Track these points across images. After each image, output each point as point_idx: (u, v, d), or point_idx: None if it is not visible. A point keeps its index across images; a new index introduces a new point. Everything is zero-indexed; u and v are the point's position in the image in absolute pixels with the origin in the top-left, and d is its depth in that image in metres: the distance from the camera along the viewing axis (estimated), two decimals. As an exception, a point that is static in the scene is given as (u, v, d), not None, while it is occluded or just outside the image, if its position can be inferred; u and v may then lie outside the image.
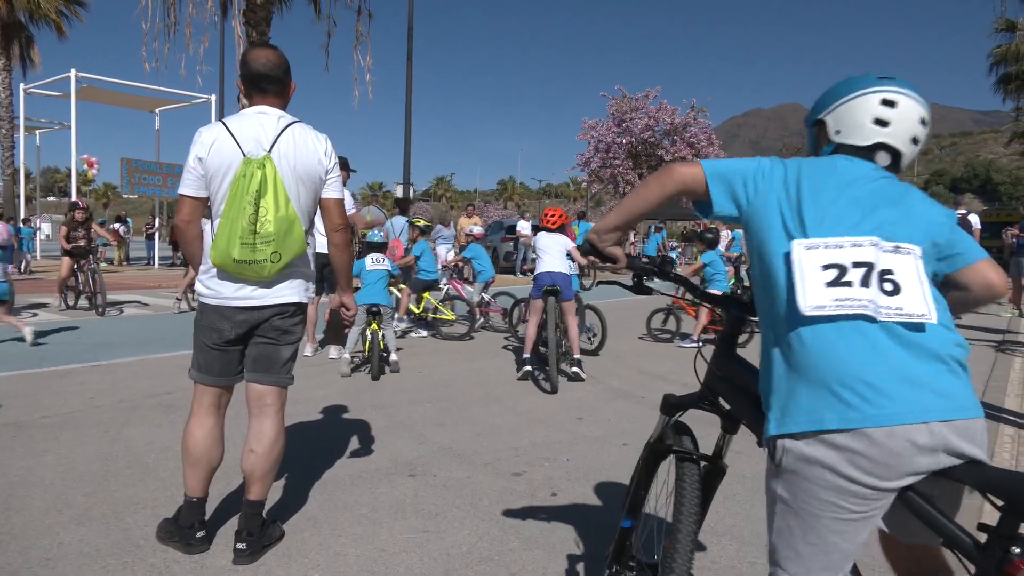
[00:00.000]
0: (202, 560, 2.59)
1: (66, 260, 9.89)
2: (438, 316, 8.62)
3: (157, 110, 21.64)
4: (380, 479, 3.50)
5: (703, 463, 1.75)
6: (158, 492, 3.25)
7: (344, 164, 6.88)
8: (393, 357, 6.36)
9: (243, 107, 2.73)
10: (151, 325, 8.97)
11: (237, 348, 2.67)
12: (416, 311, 8.62)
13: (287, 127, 2.61)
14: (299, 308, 2.71)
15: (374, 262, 6.57)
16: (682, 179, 1.52)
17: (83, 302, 10.27)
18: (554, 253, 6.08)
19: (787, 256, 1.35)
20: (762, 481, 1.51)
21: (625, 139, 23.36)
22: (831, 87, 1.63)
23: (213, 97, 19.18)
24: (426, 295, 8.67)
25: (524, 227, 20.10)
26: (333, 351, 6.81)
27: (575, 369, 6.10)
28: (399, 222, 9.99)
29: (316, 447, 3.99)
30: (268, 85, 2.63)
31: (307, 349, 6.93)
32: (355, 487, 3.38)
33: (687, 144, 23.10)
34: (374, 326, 6.28)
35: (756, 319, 1.58)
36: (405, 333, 8.41)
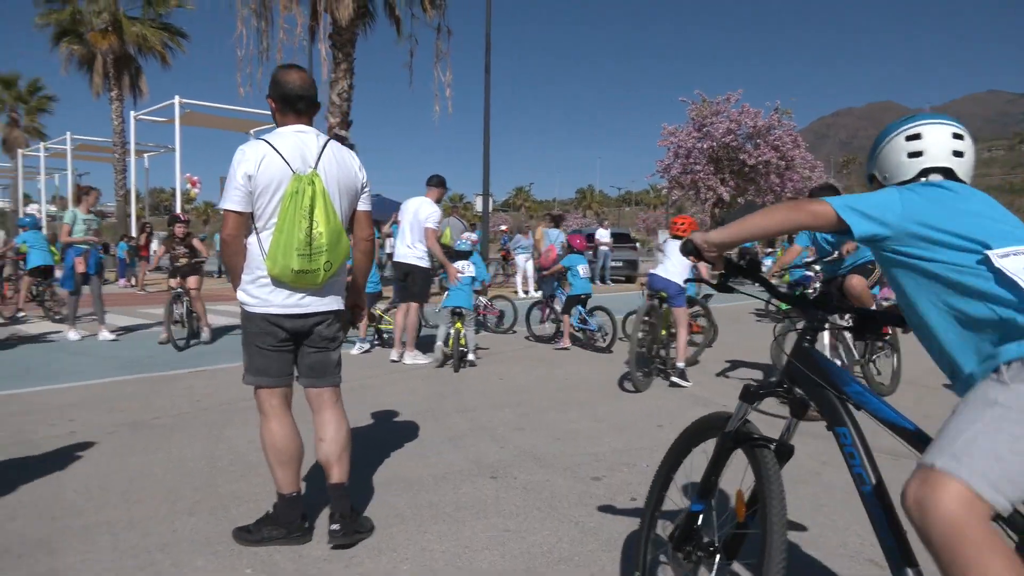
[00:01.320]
0: (300, 550, 2.77)
1: (171, 283, 8.63)
2: (382, 326, 8.41)
3: (252, 131, 22.88)
4: (463, 480, 3.62)
5: (773, 447, 1.81)
6: (259, 488, 3.47)
7: (441, 182, 7.39)
8: (471, 356, 6.93)
9: (277, 124, 2.89)
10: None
11: (291, 349, 2.85)
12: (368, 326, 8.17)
13: (326, 144, 2.82)
14: (339, 315, 2.92)
15: (462, 269, 7.10)
16: (812, 213, 1.66)
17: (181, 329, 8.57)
18: (676, 262, 6.17)
19: (987, 262, 1.50)
20: (850, 493, 1.52)
21: (706, 144, 22.89)
22: (875, 139, 1.89)
23: (303, 117, 20.16)
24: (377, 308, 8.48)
25: (603, 235, 20.07)
26: (408, 357, 7.11)
27: (675, 379, 6.14)
28: (553, 233, 11.70)
29: (403, 449, 4.15)
30: (302, 105, 2.82)
31: (392, 354, 7.23)
32: (439, 487, 3.51)
33: (771, 147, 22.42)
34: (458, 325, 6.86)
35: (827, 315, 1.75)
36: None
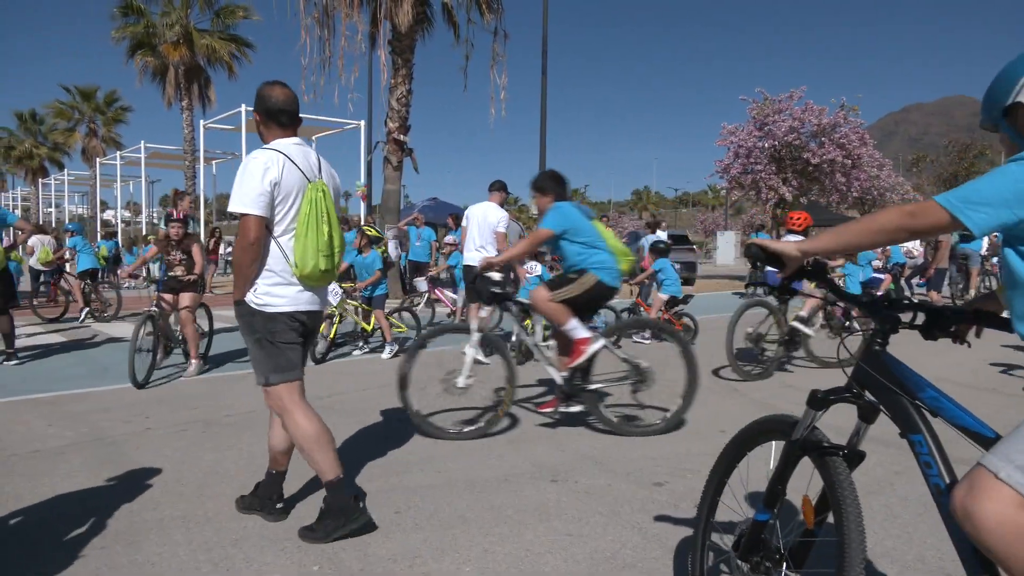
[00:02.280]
0: (366, 549, 2.82)
1: (157, 297, 6.57)
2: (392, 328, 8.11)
3: (314, 137, 23.48)
4: (524, 483, 3.62)
5: (843, 454, 1.75)
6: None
7: (503, 186, 7.67)
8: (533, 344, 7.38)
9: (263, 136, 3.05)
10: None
11: (303, 343, 3.08)
12: (367, 327, 8.00)
13: (320, 157, 3.08)
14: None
15: (530, 269, 7.70)
16: (920, 215, 1.50)
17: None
18: None
19: None
20: (926, 504, 1.46)
21: (767, 143, 22.30)
22: (1004, 69, 1.57)
23: (362, 122, 20.53)
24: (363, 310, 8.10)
25: (660, 236, 19.77)
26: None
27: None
28: (652, 238, 11.92)
29: (462, 450, 4.18)
30: (284, 118, 3.00)
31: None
32: (500, 490, 3.52)
33: (836, 145, 21.67)
34: (527, 322, 7.10)
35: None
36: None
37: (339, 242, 3.00)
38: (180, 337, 6.77)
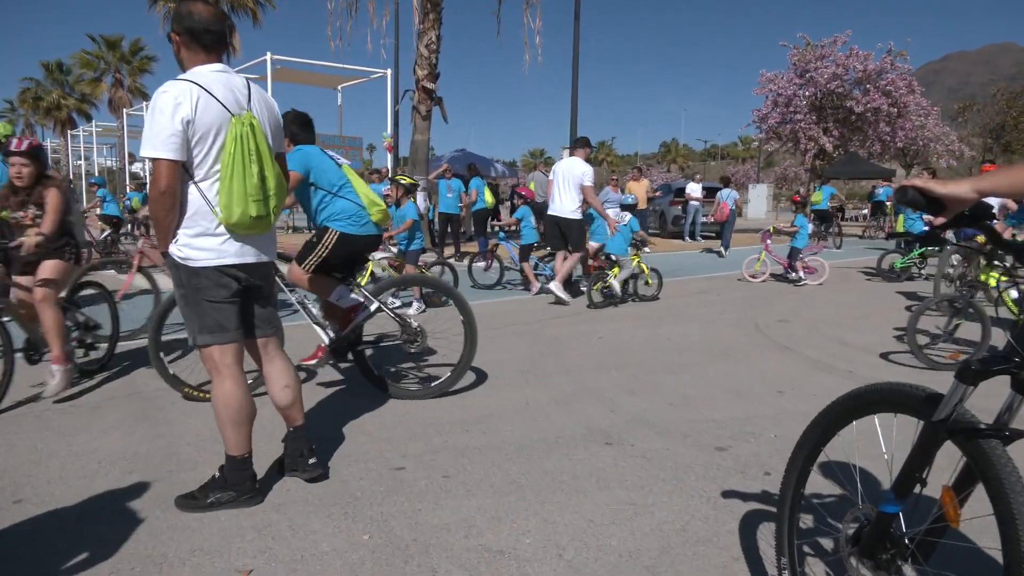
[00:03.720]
0: (415, 517, 2.64)
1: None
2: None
3: (339, 87, 23.05)
4: (577, 446, 3.42)
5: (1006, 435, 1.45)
6: (368, 446, 3.39)
7: (586, 142, 8.31)
8: (613, 284, 8.02)
9: (185, 63, 2.65)
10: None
11: (239, 301, 2.74)
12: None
13: (250, 84, 2.71)
14: (275, 267, 2.94)
15: (620, 218, 8.14)
16: None
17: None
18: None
19: None
20: None
21: (808, 91, 21.42)
22: None
23: (388, 71, 20.06)
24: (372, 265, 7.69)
25: (694, 190, 19.22)
26: (553, 285, 7.95)
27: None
28: (724, 192, 13.18)
29: (508, 411, 3.99)
30: (209, 39, 2.61)
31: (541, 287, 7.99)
32: (552, 453, 3.32)
33: (882, 93, 20.73)
34: (615, 270, 8.00)
35: None
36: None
37: (275, 183, 2.63)
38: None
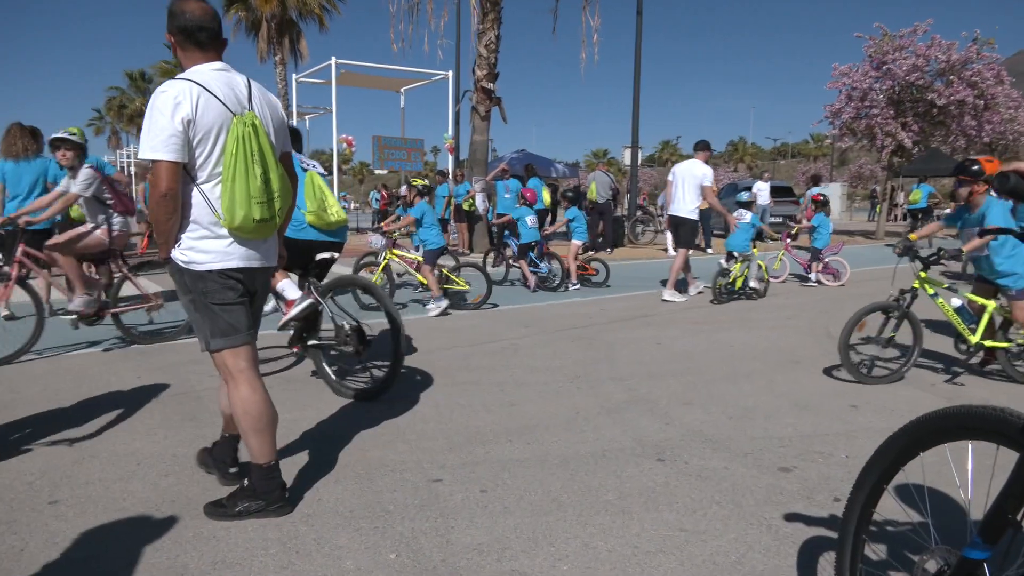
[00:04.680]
0: (447, 535, 2.48)
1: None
2: (450, 287, 7.74)
3: (402, 89, 23.28)
4: (625, 461, 3.19)
5: None
6: (406, 455, 3.25)
7: (707, 145, 8.50)
8: (753, 284, 8.47)
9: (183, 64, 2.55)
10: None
11: (246, 303, 2.65)
12: (423, 280, 7.54)
13: (250, 82, 2.61)
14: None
15: (740, 216, 8.43)
16: None
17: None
18: None
19: None
20: None
21: (886, 84, 20.30)
22: None
23: (450, 73, 20.13)
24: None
25: (762, 189, 18.51)
26: (667, 293, 8.14)
27: None
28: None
29: (554, 419, 3.79)
30: (203, 36, 2.51)
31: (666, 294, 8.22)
32: (599, 468, 3.10)
33: (967, 84, 19.44)
34: (736, 266, 8.25)
35: None
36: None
37: (280, 185, 2.53)
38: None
